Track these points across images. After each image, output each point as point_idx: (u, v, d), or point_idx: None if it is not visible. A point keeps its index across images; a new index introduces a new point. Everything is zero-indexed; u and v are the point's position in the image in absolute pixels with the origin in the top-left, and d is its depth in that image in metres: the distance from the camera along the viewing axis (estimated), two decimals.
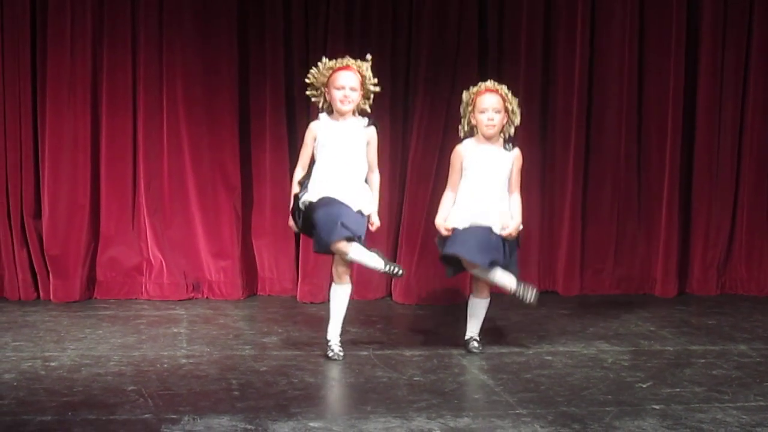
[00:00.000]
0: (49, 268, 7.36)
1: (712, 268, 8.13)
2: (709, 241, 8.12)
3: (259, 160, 7.63)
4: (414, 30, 7.62)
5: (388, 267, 5.81)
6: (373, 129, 5.96)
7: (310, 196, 5.80)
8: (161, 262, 7.47)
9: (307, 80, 5.92)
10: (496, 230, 5.94)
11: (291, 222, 5.99)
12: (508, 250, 5.99)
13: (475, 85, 6.10)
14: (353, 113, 5.92)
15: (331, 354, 5.93)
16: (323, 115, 5.92)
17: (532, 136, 7.66)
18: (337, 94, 5.83)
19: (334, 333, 6.00)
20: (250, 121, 7.61)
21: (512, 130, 6.06)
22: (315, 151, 5.90)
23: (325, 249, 5.84)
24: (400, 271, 5.86)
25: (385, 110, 7.30)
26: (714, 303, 7.80)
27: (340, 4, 7.48)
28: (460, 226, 5.96)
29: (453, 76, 7.55)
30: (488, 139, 6.02)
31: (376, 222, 5.97)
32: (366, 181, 5.97)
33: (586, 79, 7.88)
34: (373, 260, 5.80)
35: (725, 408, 5.10)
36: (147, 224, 7.48)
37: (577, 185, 7.90)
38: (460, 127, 6.11)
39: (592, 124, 7.95)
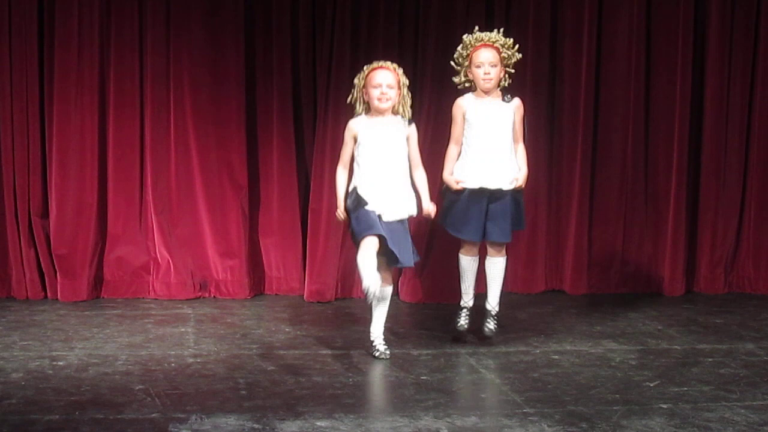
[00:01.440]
0: (56, 268, 7.37)
1: (719, 267, 8.12)
2: (717, 239, 8.10)
3: (266, 160, 7.63)
4: (421, 27, 7.61)
5: (368, 297, 5.70)
6: (413, 126, 6.04)
7: (365, 202, 5.82)
8: (168, 261, 7.48)
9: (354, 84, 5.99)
10: (506, 187, 6.04)
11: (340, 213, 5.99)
12: (514, 208, 6.12)
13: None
14: (393, 112, 5.97)
15: (377, 354, 5.97)
16: (361, 116, 5.97)
17: (539, 136, 7.65)
18: (374, 93, 5.89)
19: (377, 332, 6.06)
20: (257, 120, 7.61)
21: (511, 70, 6.20)
22: (355, 152, 5.95)
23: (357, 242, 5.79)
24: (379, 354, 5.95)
25: None
26: (721, 302, 7.79)
27: (347, 2, 7.48)
28: (470, 186, 6.06)
29: None
30: (486, 92, 6.12)
31: (431, 210, 6.05)
32: (412, 178, 6.04)
33: (593, 78, 7.86)
34: (367, 277, 5.60)
35: (733, 407, 5.09)
36: (154, 223, 7.48)
37: (584, 183, 7.88)
38: (455, 78, 6.21)
39: (600, 123, 7.93)
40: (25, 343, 6.16)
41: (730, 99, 8.01)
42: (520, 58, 6.27)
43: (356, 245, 5.79)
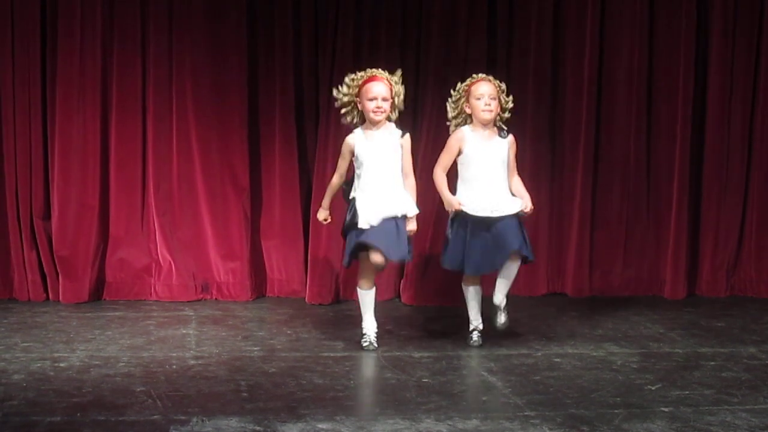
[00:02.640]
0: (58, 269, 7.38)
1: (721, 270, 8.11)
2: (719, 242, 8.10)
3: (268, 162, 7.64)
4: (423, 32, 7.61)
5: (364, 340, 6.22)
6: (407, 136, 6.23)
7: (359, 219, 6.02)
8: (170, 263, 7.48)
9: (336, 96, 6.16)
10: (516, 210, 6.10)
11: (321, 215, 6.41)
12: (519, 232, 6.14)
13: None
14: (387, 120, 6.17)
15: (366, 344, 6.19)
16: (358, 130, 6.17)
17: (541, 138, 7.66)
18: (369, 105, 6.07)
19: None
20: (260, 123, 7.62)
21: (505, 116, 6.28)
22: (354, 164, 6.18)
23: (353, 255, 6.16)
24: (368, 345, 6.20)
25: None
26: (723, 305, 7.78)
27: (349, 6, 7.48)
28: (479, 214, 6.09)
29: (462, 78, 7.53)
30: (485, 125, 6.20)
31: (412, 227, 6.21)
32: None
33: (595, 81, 7.86)
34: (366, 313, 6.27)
35: (734, 410, 5.09)
36: (156, 225, 7.49)
37: (586, 187, 7.89)
38: (450, 115, 6.32)
39: (601, 126, 7.93)
40: (27, 344, 6.16)
41: (732, 102, 8.01)
42: (512, 108, 6.35)
43: (347, 256, 6.17)
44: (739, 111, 8.02)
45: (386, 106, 6.08)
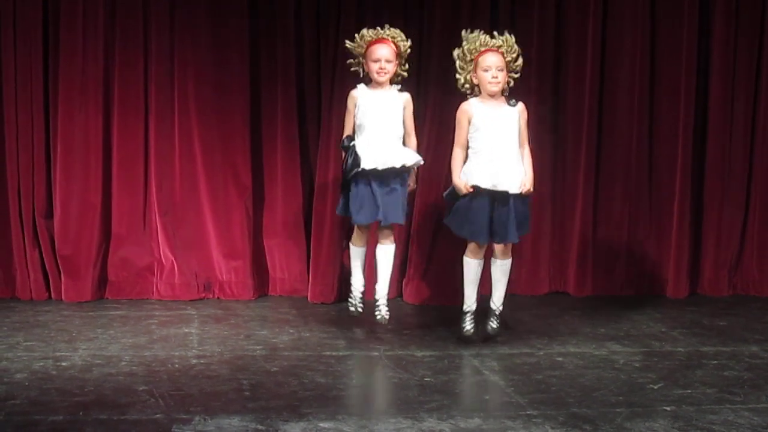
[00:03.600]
0: (60, 268, 7.38)
1: (723, 269, 8.11)
2: (721, 241, 8.10)
3: (270, 160, 7.64)
4: (425, 31, 7.60)
5: (352, 301, 6.58)
6: (408, 95, 6.45)
7: (362, 160, 6.22)
8: (172, 262, 7.48)
9: (348, 46, 6.45)
10: (515, 190, 6.06)
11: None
12: (521, 211, 6.14)
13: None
14: (390, 82, 6.39)
15: (351, 308, 6.56)
16: (362, 85, 6.42)
17: (543, 137, 7.64)
18: (373, 66, 6.32)
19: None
20: (262, 121, 7.62)
21: (515, 76, 6.27)
22: (356, 118, 6.38)
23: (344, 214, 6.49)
24: (380, 317, 6.45)
25: None
26: (725, 304, 7.78)
27: (351, 4, 7.48)
28: (482, 185, 6.07)
29: None
30: (492, 96, 6.17)
31: (412, 183, 6.51)
32: (404, 144, 6.45)
33: (598, 80, 7.86)
34: (355, 278, 6.59)
35: (737, 409, 5.09)
36: (158, 224, 7.49)
37: (588, 185, 7.88)
38: (458, 84, 6.27)
39: (604, 125, 7.93)
40: (29, 343, 6.16)
41: (734, 100, 8.00)
42: (523, 64, 6.32)
43: (344, 213, 6.45)
44: (741, 110, 8.01)
45: (389, 67, 6.32)
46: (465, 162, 6.24)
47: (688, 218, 7.97)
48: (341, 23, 7.47)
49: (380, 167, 6.21)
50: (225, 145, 7.51)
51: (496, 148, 6.13)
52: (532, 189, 6.19)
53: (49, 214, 7.40)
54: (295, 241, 7.66)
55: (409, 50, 6.47)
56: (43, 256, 7.38)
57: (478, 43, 6.17)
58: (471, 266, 6.29)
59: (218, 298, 7.56)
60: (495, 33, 6.26)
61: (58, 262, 7.38)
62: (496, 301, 6.29)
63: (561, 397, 5.27)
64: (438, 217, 7.43)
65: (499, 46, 6.17)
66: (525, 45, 7.69)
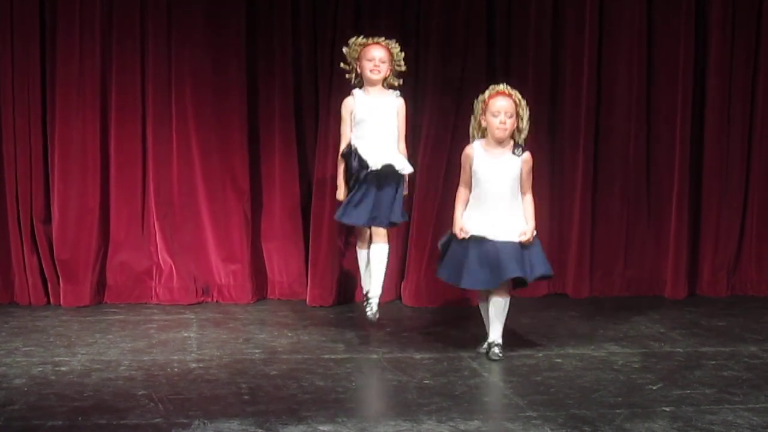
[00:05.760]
0: (59, 273, 7.38)
1: (722, 270, 8.11)
2: (719, 242, 8.10)
3: (268, 164, 7.64)
4: (422, 33, 7.61)
5: (367, 300, 6.49)
6: (402, 100, 6.45)
7: (369, 160, 6.25)
8: (171, 266, 7.48)
9: (345, 52, 6.44)
10: (511, 238, 5.90)
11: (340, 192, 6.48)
12: (529, 254, 5.95)
13: (485, 88, 6.14)
14: (383, 85, 6.40)
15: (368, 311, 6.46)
16: (356, 91, 6.43)
17: (541, 138, 7.64)
18: (367, 65, 6.36)
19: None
20: (259, 125, 7.62)
21: (523, 136, 6.07)
22: (353, 122, 6.39)
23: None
24: (370, 314, 6.43)
25: None
26: (724, 304, 7.78)
27: (348, 7, 7.49)
28: (473, 232, 5.94)
29: (461, 77, 7.56)
30: (499, 142, 6.01)
31: (405, 189, 6.49)
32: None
33: (595, 81, 7.86)
34: (363, 281, 6.65)
35: (736, 409, 5.09)
36: (157, 228, 7.49)
37: (586, 187, 7.88)
38: (471, 129, 6.12)
39: (601, 126, 7.93)
40: (28, 348, 6.16)
41: (732, 101, 8.00)
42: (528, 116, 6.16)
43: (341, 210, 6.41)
44: (739, 110, 8.02)
45: (383, 67, 6.34)
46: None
47: (686, 219, 7.97)
48: (338, 26, 7.47)
49: (381, 165, 6.24)
50: (223, 148, 7.51)
51: (492, 197, 5.99)
52: (531, 239, 5.97)
53: (48, 219, 7.40)
54: (293, 244, 7.66)
55: (402, 64, 6.41)
56: (42, 261, 7.38)
57: (491, 89, 6.07)
58: (484, 309, 6.17)
59: (217, 301, 7.56)
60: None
61: (57, 266, 7.37)
62: (495, 335, 6.09)
63: (560, 398, 5.27)
64: (436, 219, 7.45)
65: (511, 93, 6.02)
66: (522, 43, 7.77)
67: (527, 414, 5.00)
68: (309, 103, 7.62)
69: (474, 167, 6.03)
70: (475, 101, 6.09)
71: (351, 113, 6.37)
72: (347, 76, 6.46)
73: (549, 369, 5.85)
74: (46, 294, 7.41)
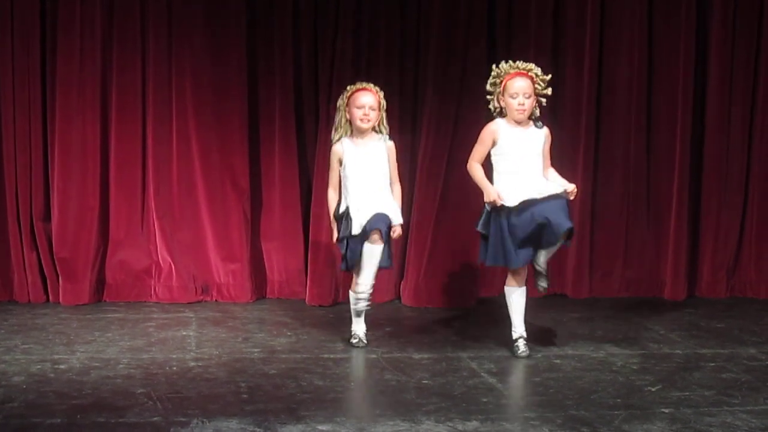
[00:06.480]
0: (58, 271, 7.38)
1: (721, 271, 8.11)
2: (719, 243, 8.10)
3: (268, 164, 7.64)
4: (422, 32, 7.61)
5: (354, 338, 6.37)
6: (391, 143, 6.33)
7: (353, 225, 6.16)
8: (170, 265, 7.48)
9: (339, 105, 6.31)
10: (555, 190, 5.97)
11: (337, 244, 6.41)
12: (561, 208, 5.95)
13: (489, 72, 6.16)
14: (372, 130, 6.28)
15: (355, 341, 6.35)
16: (345, 139, 6.27)
17: None
18: (357, 113, 6.21)
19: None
20: (259, 125, 7.62)
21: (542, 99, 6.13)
22: (342, 173, 6.27)
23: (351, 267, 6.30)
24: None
25: (394, 114, 7.28)
26: (723, 306, 7.78)
27: (349, 6, 7.49)
28: (510, 204, 5.93)
29: (461, 77, 7.56)
30: (518, 123, 6.07)
31: (398, 230, 6.32)
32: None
33: (595, 82, 7.86)
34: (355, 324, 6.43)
35: (735, 411, 5.09)
36: (156, 227, 7.49)
37: (585, 188, 7.85)
38: (491, 106, 6.12)
39: (601, 127, 7.94)
40: (27, 346, 6.16)
41: (732, 103, 8.01)
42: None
43: (347, 270, 6.35)
44: (739, 111, 8.02)
45: (373, 115, 6.21)
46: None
47: (686, 220, 7.97)
48: (338, 26, 7.47)
49: (371, 229, 6.14)
50: (223, 148, 7.51)
51: (523, 170, 6.04)
52: (573, 195, 6.05)
53: (47, 217, 7.41)
54: (292, 243, 7.66)
55: (384, 105, 6.30)
56: (41, 259, 7.38)
57: (507, 66, 6.08)
58: (515, 295, 6.12)
59: (216, 300, 7.56)
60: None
61: (56, 265, 7.38)
62: (542, 261, 6.04)
63: (559, 399, 5.27)
64: (436, 219, 7.44)
65: (529, 70, 6.05)
66: (522, 45, 7.76)
67: (526, 414, 5.00)
68: (309, 103, 7.63)
69: (500, 143, 6.05)
70: (490, 78, 6.09)
71: (339, 161, 6.26)
72: (339, 131, 6.30)
73: (548, 370, 5.85)
74: (46, 292, 7.42)
